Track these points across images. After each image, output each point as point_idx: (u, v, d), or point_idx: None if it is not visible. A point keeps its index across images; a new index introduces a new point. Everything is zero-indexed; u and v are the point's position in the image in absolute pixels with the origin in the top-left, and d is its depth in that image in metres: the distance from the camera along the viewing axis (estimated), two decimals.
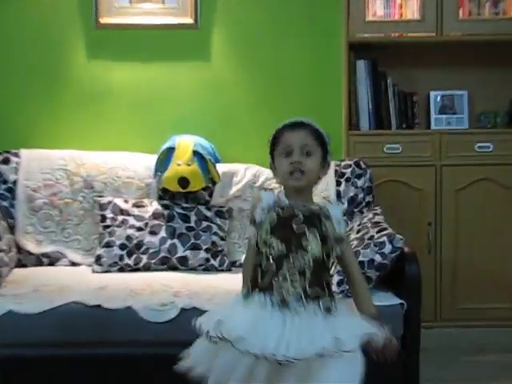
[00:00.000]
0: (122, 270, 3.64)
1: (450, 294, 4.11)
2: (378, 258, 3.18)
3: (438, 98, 4.23)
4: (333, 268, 3.13)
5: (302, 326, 2.07)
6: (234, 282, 2.56)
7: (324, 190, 3.79)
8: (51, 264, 3.75)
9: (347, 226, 2.33)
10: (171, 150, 3.81)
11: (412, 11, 4.12)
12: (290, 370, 2.03)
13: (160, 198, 3.86)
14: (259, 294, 2.14)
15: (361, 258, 3.17)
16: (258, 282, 2.16)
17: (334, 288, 3.15)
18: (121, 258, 3.64)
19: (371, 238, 3.27)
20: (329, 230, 2.17)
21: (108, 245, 3.66)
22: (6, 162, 3.81)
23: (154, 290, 3.23)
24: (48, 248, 3.77)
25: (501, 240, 4.12)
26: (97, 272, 3.62)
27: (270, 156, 2.29)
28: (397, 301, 3.14)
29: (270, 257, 2.16)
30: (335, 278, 3.17)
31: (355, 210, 3.78)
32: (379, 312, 2.50)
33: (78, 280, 3.42)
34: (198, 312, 2.82)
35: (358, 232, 3.41)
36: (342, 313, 2.17)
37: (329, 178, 3.79)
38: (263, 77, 4.16)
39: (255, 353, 2.00)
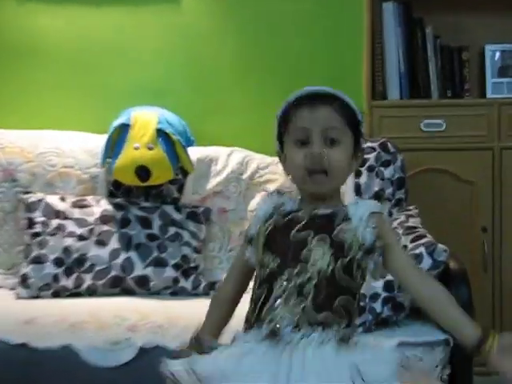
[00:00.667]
0: (57, 294, 3.63)
1: None
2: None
3: (497, 55, 4.23)
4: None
5: (301, 361, 1.97)
6: None
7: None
8: None
9: (393, 233, 2.21)
10: (125, 127, 3.81)
11: None
12: None
13: (111, 195, 3.88)
14: (251, 331, 2.08)
15: (389, 278, 3.12)
16: (250, 316, 2.13)
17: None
18: (55, 278, 3.63)
19: (404, 248, 3.25)
20: (347, 235, 2.07)
21: (38, 260, 3.65)
22: None
23: (103, 323, 3.22)
24: None
25: None
26: (22, 298, 3.61)
27: (278, 141, 2.23)
28: (440, 336, 3.12)
29: (260, 281, 2.13)
30: None
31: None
32: (416, 351, 2.50)
33: None
34: (163, 352, 2.84)
35: None
36: (366, 346, 2.09)
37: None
38: (251, 29, 4.21)
39: None
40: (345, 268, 2.06)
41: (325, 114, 2.10)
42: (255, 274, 2.18)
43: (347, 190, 3.77)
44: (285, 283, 2.04)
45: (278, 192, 2.26)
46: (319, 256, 2.04)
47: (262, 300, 2.07)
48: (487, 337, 2.02)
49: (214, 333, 2.25)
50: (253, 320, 2.09)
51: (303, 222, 2.08)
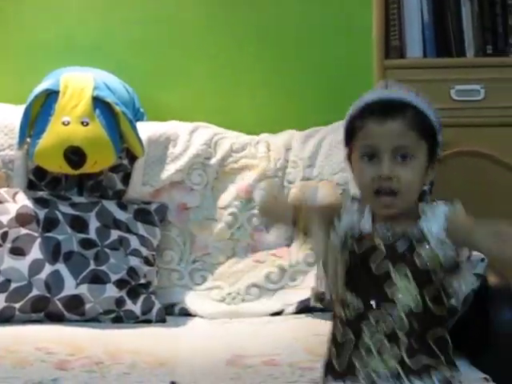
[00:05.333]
0: None
1: None
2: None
3: None
4: None
5: None
6: (172, 341, 2.57)
7: (339, 171, 3.87)
8: None
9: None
10: (52, 95, 3.83)
11: None
12: None
13: (31, 187, 3.89)
14: (336, 382, 2.27)
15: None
16: (334, 361, 2.29)
17: None
18: None
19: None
20: (428, 260, 2.24)
21: None
22: None
23: (21, 359, 3.22)
24: None
25: None
26: None
27: (346, 147, 2.36)
28: (477, 375, 3.14)
29: (343, 322, 2.30)
30: None
31: None
32: None
33: None
34: None
35: None
36: None
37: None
38: None
39: None
40: (434, 298, 2.25)
41: (396, 130, 2.24)
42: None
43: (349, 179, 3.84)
44: (376, 329, 2.23)
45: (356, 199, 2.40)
46: (406, 291, 2.22)
47: (350, 347, 2.25)
48: None
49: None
50: (339, 368, 2.27)
51: (384, 251, 2.25)
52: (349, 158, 2.34)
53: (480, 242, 2.22)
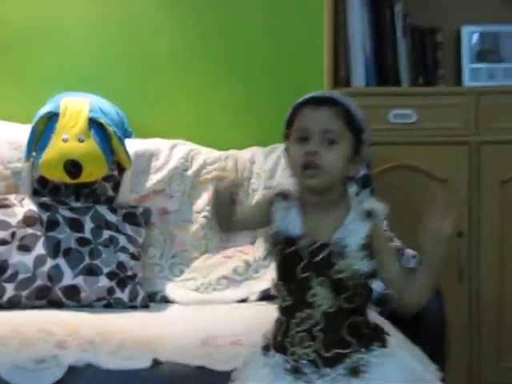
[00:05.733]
0: None
1: (492, 346, 4.16)
2: (379, 286, 3.13)
3: (475, 38, 4.25)
4: None
5: None
6: (154, 324, 2.53)
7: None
8: None
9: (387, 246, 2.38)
10: (53, 117, 3.79)
11: None
12: None
13: (36, 194, 3.85)
14: (276, 354, 2.32)
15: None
16: (275, 333, 2.36)
17: None
18: None
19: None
20: (345, 274, 2.25)
21: None
22: None
23: (27, 339, 3.18)
24: None
25: None
26: None
27: (285, 137, 2.38)
28: None
29: (280, 307, 2.36)
30: None
31: None
32: None
33: None
34: (95, 371, 2.80)
35: None
36: (381, 363, 2.27)
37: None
38: (198, 13, 4.22)
39: None
40: (348, 299, 2.27)
41: (325, 116, 2.28)
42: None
43: None
44: (298, 325, 2.27)
45: (284, 195, 2.41)
46: (324, 299, 2.25)
47: (283, 329, 2.31)
48: None
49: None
50: (277, 340, 2.34)
51: (305, 262, 2.25)
52: (285, 151, 2.37)
53: (389, 274, 2.29)
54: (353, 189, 2.44)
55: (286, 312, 2.30)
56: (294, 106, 2.36)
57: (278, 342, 2.32)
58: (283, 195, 2.37)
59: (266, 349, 2.37)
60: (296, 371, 2.26)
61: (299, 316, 2.26)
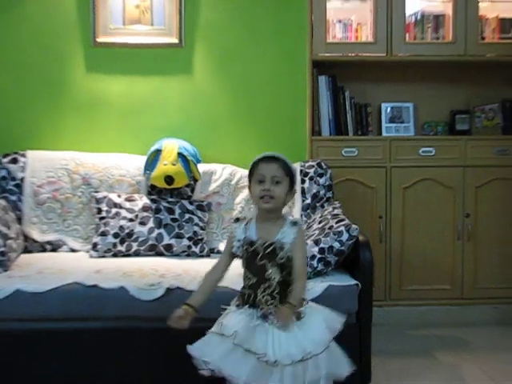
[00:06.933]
0: (115, 255, 3.61)
1: (397, 277, 4.13)
2: (336, 244, 3.16)
3: (388, 109, 4.25)
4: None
5: (280, 336, 2.22)
6: (212, 265, 2.55)
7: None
8: (53, 250, 3.74)
9: (301, 234, 2.41)
10: (159, 151, 3.78)
11: (366, 35, 4.16)
12: (274, 369, 2.20)
13: (148, 194, 3.83)
14: (248, 308, 2.32)
15: (322, 245, 3.16)
16: (245, 298, 2.34)
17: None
18: (114, 245, 3.61)
19: (331, 227, 3.24)
20: (285, 257, 2.31)
21: (103, 234, 3.63)
22: (15, 161, 3.78)
23: (143, 273, 3.20)
24: (51, 237, 3.75)
25: (441, 231, 4.15)
26: (93, 257, 3.59)
27: (249, 180, 2.38)
28: (352, 282, 3.11)
29: (247, 286, 2.35)
30: None
31: (317, 204, 3.77)
32: (337, 292, 2.60)
33: (77, 264, 3.39)
34: (182, 291, 2.83)
35: (320, 223, 3.40)
36: (311, 313, 2.33)
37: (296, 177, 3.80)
38: (238, 89, 4.15)
39: (248, 348, 2.19)
40: (288, 273, 2.33)
41: (274, 167, 2.34)
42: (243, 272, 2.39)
43: (296, 208, 3.80)
44: (263, 292, 2.32)
45: (240, 220, 2.45)
46: (276, 274, 2.31)
47: (252, 297, 2.32)
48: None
49: (201, 301, 2.39)
50: (248, 302, 2.33)
51: (261, 254, 2.32)
52: (249, 188, 2.39)
53: (295, 263, 2.33)
54: (285, 210, 2.46)
55: (253, 287, 2.32)
56: (254, 161, 2.37)
57: (249, 302, 2.34)
58: (238, 219, 2.45)
59: (238, 306, 2.37)
60: (264, 317, 2.28)
61: (263, 287, 2.30)
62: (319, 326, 2.30)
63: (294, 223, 2.36)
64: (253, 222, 2.39)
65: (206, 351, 2.27)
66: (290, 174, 2.36)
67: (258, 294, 2.30)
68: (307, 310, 2.32)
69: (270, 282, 2.30)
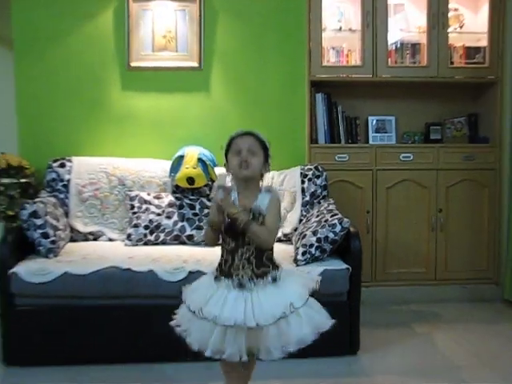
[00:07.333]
0: (145, 244, 3.59)
1: (381, 262, 4.11)
2: (331, 235, 3.17)
3: (374, 122, 4.22)
4: (299, 242, 3.14)
5: (259, 299, 2.04)
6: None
7: (292, 187, 3.78)
8: (94, 240, 3.73)
9: (273, 204, 2.13)
10: (182, 157, 3.77)
11: (355, 59, 4.14)
12: (257, 332, 2.01)
13: (173, 192, 3.81)
14: (224, 279, 2.10)
15: (318, 236, 3.17)
16: (222, 268, 2.13)
17: (300, 257, 3.17)
18: (145, 235, 3.60)
19: (326, 220, 3.24)
20: (261, 220, 2.08)
21: (135, 226, 3.62)
22: (63, 166, 3.78)
23: (169, 259, 3.20)
24: (92, 228, 3.74)
25: (418, 223, 4.13)
26: (127, 245, 3.58)
27: (225, 156, 2.18)
28: (344, 266, 3.12)
29: (226, 250, 2.13)
30: (300, 250, 3.17)
31: (315, 201, 3.74)
32: (331, 275, 2.59)
33: (114, 251, 3.40)
34: (201, 274, 2.79)
35: (317, 216, 3.39)
36: (285, 277, 2.13)
37: (296, 178, 3.78)
38: (248, 104, 4.11)
39: (229, 324, 2.00)
40: None
41: (249, 140, 2.13)
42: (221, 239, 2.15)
43: (297, 190, 3.76)
44: (241, 257, 2.10)
45: (222, 188, 2.15)
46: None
47: (229, 263, 2.11)
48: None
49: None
50: (224, 272, 2.11)
51: (242, 220, 2.04)
52: (226, 164, 2.17)
53: (266, 220, 2.08)
54: (262, 182, 2.20)
55: (232, 251, 2.10)
56: (231, 137, 2.17)
57: (225, 271, 2.11)
58: (220, 187, 2.16)
59: (216, 278, 2.13)
60: (240, 286, 2.06)
61: (241, 251, 2.09)
62: (295, 283, 2.13)
63: (268, 190, 2.15)
64: (234, 192, 2.15)
65: (183, 323, 2.14)
66: (264, 147, 2.15)
67: (236, 258, 2.09)
68: (282, 275, 2.12)
69: (247, 247, 2.08)
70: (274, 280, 2.09)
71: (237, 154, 2.12)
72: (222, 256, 2.15)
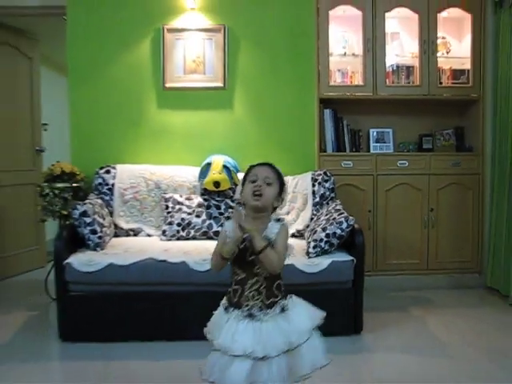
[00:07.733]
0: (178, 239, 3.54)
1: (382, 255, 4.03)
2: (338, 231, 3.11)
3: (375, 133, 4.14)
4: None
5: (268, 329, 1.78)
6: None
7: (304, 190, 3.71)
8: (135, 235, 3.67)
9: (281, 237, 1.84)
10: (209, 164, 3.71)
11: (358, 80, 4.07)
12: (267, 363, 1.76)
13: (202, 195, 3.75)
14: (234, 309, 1.83)
15: (327, 232, 3.11)
16: (232, 298, 1.85)
17: (311, 250, 3.09)
18: (178, 231, 3.55)
19: (334, 219, 3.19)
20: (271, 248, 1.79)
21: (170, 223, 3.57)
22: (108, 172, 3.74)
23: (199, 251, 3.14)
24: (133, 225, 3.68)
25: (413, 221, 4.05)
26: (163, 240, 3.53)
27: (242, 185, 1.92)
28: (349, 258, 3.06)
29: (235, 280, 1.85)
30: (311, 244, 3.10)
31: (324, 202, 3.66)
32: (338, 266, 2.43)
33: (151, 245, 3.35)
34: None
35: (326, 215, 3.32)
36: (294, 306, 1.86)
37: (307, 182, 3.71)
38: (265, 119, 4.04)
39: (239, 355, 1.74)
40: None
41: (266, 170, 1.86)
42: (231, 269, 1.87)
43: (309, 192, 3.67)
44: (250, 287, 1.81)
45: (228, 218, 1.99)
46: (262, 270, 1.80)
47: (239, 293, 1.83)
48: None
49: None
50: (234, 302, 1.84)
51: (250, 250, 1.78)
52: (241, 191, 1.90)
53: (276, 248, 1.77)
54: (272, 215, 1.91)
55: (241, 282, 1.82)
56: (249, 167, 1.91)
57: (235, 302, 1.82)
58: (228, 218, 2.00)
59: (226, 309, 1.83)
60: (250, 316, 1.79)
61: (250, 282, 1.80)
62: (302, 316, 1.84)
63: (278, 220, 1.86)
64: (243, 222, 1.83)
65: (212, 372, 1.82)
66: (280, 179, 1.88)
67: (246, 289, 1.81)
68: (290, 304, 1.85)
69: (257, 278, 1.81)
70: (283, 310, 1.83)
71: (252, 181, 1.86)
72: (232, 284, 1.87)
